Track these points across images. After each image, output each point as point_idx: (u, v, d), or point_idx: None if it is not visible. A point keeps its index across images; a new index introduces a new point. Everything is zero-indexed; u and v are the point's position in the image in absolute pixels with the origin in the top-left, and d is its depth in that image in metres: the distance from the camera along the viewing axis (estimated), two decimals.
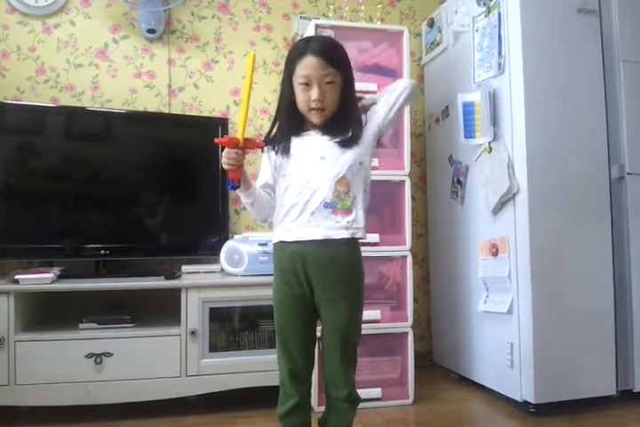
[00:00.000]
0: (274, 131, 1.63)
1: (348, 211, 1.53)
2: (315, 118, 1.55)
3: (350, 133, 1.55)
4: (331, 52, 1.54)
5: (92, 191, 2.57)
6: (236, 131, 2.94)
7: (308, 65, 1.50)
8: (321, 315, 1.56)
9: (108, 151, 2.62)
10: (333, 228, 1.50)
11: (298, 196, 1.52)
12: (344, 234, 1.51)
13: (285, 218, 1.55)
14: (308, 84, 1.51)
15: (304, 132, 1.59)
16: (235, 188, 1.53)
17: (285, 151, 1.57)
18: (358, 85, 2.38)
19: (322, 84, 1.51)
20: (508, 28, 2.37)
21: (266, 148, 1.63)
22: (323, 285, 1.52)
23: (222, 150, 1.52)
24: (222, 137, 1.53)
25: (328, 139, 1.56)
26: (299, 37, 2.48)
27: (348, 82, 1.58)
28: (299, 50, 1.54)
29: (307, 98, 1.52)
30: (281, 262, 1.57)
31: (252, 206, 1.61)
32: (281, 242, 1.56)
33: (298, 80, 1.52)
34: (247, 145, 1.51)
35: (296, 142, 1.58)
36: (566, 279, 2.30)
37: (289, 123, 1.59)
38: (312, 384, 1.64)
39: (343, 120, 1.57)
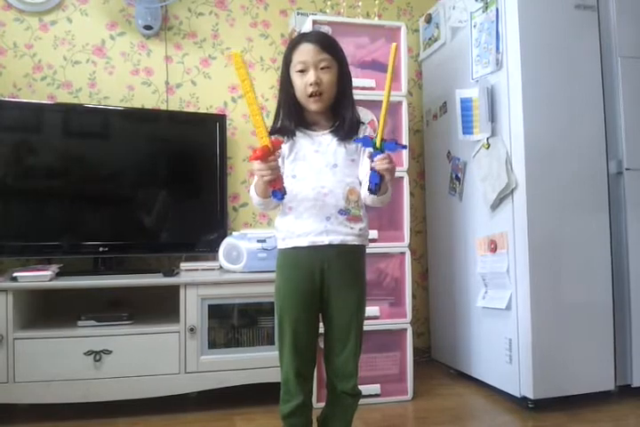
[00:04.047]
0: (278, 124, 1.64)
1: (359, 219, 1.59)
2: (313, 106, 1.57)
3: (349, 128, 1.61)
4: (325, 39, 1.60)
5: (89, 188, 2.57)
6: (235, 128, 2.98)
7: (304, 51, 1.55)
8: (331, 306, 1.58)
9: (106, 148, 2.61)
10: (348, 234, 1.57)
11: (312, 200, 1.54)
12: (357, 241, 1.59)
13: (297, 222, 1.56)
14: (304, 71, 1.55)
15: (311, 130, 1.61)
16: (284, 196, 1.46)
17: (292, 146, 1.58)
18: (356, 82, 2.41)
19: (318, 69, 1.54)
20: (505, 23, 2.37)
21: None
22: (336, 277, 1.56)
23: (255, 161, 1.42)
24: (253, 152, 1.39)
25: (338, 143, 1.59)
26: (296, 33, 2.48)
27: (343, 70, 1.62)
28: (294, 41, 1.60)
29: (304, 84, 1.55)
30: (293, 262, 1.58)
31: (265, 202, 1.59)
32: (294, 248, 1.56)
33: (295, 68, 1.56)
34: (275, 148, 1.42)
35: (305, 143, 1.59)
36: (565, 275, 2.30)
37: (290, 115, 1.60)
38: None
39: (344, 111, 1.62)
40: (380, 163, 1.44)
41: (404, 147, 1.42)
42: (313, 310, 1.59)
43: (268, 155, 1.39)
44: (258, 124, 1.38)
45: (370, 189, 1.48)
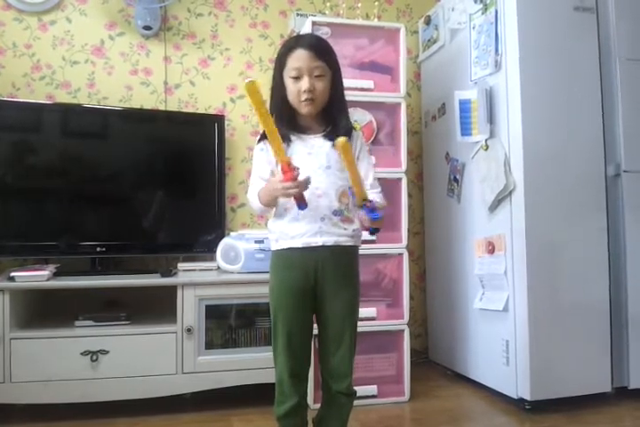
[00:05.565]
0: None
1: (352, 220, 1.60)
2: (305, 110, 1.58)
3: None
4: (320, 45, 1.59)
5: (87, 188, 2.57)
6: (234, 129, 2.98)
7: (299, 57, 1.54)
8: (325, 307, 1.58)
9: (104, 149, 2.61)
10: (342, 235, 1.57)
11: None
12: (350, 242, 1.60)
13: (291, 223, 1.56)
14: (298, 77, 1.55)
15: (304, 133, 1.61)
16: (306, 206, 1.49)
17: (286, 147, 1.58)
18: (355, 83, 2.42)
19: (312, 76, 1.55)
20: (504, 25, 2.37)
21: (262, 142, 1.63)
22: (330, 277, 1.56)
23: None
24: (284, 176, 1.42)
25: (330, 147, 1.59)
26: (295, 34, 2.48)
27: (336, 77, 1.62)
28: (289, 45, 1.60)
29: (297, 89, 1.55)
30: (287, 263, 1.58)
31: (267, 210, 1.62)
32: (288, 249, 1.57)
33: (289, 73, 1.56)
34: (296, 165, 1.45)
35: (298, 146, 1.59)
36: (562, 277, 2.31)
37: (282, 118, 1.60)
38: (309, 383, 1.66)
39: (337, 116, 1.62)
40: (363, 220, 1.50)
41: (374, 217, 1.46)
42: (307, 311, 1.59)
43: (295, 176, 1.41)
44: (277, 147, 1.41)
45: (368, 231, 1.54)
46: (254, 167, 1.65)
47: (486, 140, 2.47)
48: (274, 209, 1.62)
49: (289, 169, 1.41)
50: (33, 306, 2.38)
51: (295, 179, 1.41)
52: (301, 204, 1.48)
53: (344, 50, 2.42)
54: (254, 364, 2.31)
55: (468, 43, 2.60)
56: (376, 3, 2.91)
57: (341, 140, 1.41)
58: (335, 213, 1.56)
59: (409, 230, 2.56)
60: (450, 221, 2.84)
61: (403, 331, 2.46)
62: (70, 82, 2.80)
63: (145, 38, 2.90)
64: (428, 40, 3.07)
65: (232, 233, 2.59)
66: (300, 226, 1.55)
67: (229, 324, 2.37)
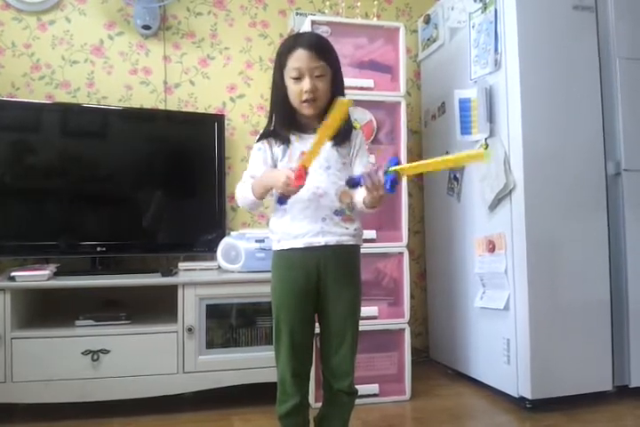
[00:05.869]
0: (271, 127, 1.64)
1: (353, 219, 1.60)
2: (306, 110, 1.57)
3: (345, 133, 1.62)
4: (320, 45, 1.58)
5: (87, 188, 2.57)
6: (234, 128, 2.97)
7: (299, 57, 1.53)
8: (327, 306, 1.58)
9: (104, 148, 2.61)
10: (344, 234, 1.57)
11: (307, 202, 1.54)
12: (352, 241, 1.59)
13: (293, 223, 1.56)
14: (299, 78, 1.54)
15: (305, 133, 1.61)
16: (286, 204, 1.51)
17: (285, 149, 1.59)
18: (354, 82, 2.42)
19: (312, 77, 1.54)
20: (504, 24, 2.37)
21: (260, 142, 1.64)
22: (332, 277, 1.56)
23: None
24: (295, 180, 1.40)
25: (331, 146, 1.58)
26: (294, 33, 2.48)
27: (337, 76, 1.61)
28: (289, 44, 1.58)
29: (298, 90, 1.54)
30: (289, 263, 1.58)
31: (258, 203, 1.62)
32: (290, 249, 1.56)
33: (289, 74, 1.55)
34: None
35: (298, 146, 1.59)
36: (562, 275, 2.31)
37: (283, 118, 1.60)
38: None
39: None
40: (370, 181, 1.40)
41: (389, 189, 1.39)
42: (309, 310, 1.59)
43: (304, 180, 1.42)
44: (311, 158, 1.42)
45: (348, 183, 1.50)
46: (250, 165, 1.65)
47: (486, 139, 2.48)
48: (261, 205, 1.62)
49: (303, 174, 1.40)
50: (33, 306, 2.38)
51: (300, 187, 1.42)
52: (284, 200, 1.49)
53: (344, 49, 2.42)
54: (255, 363, 2.31)
55: (468, 42, 2.60)
56: (375, 2, 2.90)
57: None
58: (336, 212, 1.56)
59: (409, 229, 2.55)
60: (450, 219, 2.84)
61: (403, 330, 2.46)
62: (70, 81, 2.80)
63: (144, 38, 2.90)
64: (428, 39, 3.07)
65: (232, 232, 2.59)
66: (301, 226, 1.54)
67: (230, 323, 2.36)
